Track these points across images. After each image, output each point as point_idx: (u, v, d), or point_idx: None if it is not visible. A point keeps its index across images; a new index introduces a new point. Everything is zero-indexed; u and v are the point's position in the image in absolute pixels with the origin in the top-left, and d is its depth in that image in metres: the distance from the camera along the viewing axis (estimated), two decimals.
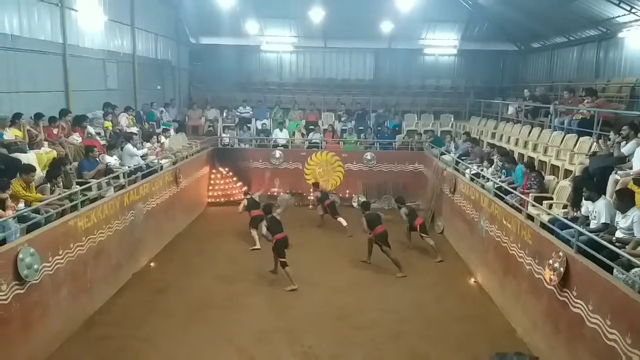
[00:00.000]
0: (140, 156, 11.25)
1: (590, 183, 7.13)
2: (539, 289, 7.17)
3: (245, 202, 12.51)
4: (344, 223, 12.79)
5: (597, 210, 6.73)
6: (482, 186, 10.41)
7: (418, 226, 11.37)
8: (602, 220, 6.59)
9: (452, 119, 18.60)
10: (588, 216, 6.99)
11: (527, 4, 16.28)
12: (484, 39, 20.28)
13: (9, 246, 6.15)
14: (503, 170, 10.48)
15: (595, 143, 9.04)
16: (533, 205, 8.22)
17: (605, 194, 7.04)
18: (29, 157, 8.17)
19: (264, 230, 9.89)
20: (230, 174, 15.80)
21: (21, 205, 7.06)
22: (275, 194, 15.86)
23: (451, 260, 11.22)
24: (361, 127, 17.77)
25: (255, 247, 11.59)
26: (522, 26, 18.81)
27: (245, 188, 14.63)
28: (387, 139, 17.07)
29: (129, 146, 10.91)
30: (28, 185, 7.22)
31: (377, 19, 18.76)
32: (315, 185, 14.23)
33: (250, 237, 11.83)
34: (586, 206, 7.10)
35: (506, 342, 7.51)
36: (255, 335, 7.67)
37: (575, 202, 7.54)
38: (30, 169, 7.30)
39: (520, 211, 8.37)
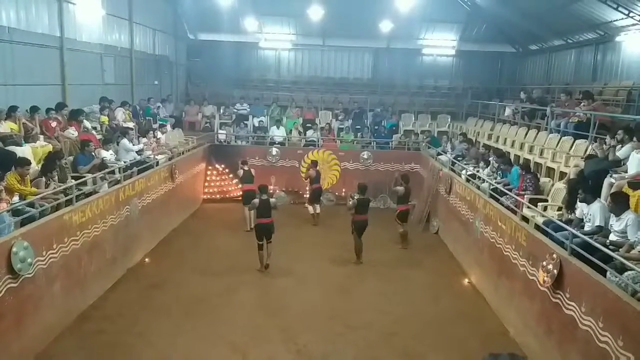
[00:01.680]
0: (136, 151, 11.21)
1: (585, 185, 7.16)
2: (533, 290, 7.19)
3: (240, 172, 12.84)
4: (311, 211, 13.31)
5: (591, 212, 6.77)
6: (478, 187, 10.43)
7: (398, 210, 11.71)
8: (597, 223, 6.63)
9: (449, 120, 18.66)
10: (582, 219, 7.02)
11: (526, 6, 16.32)
12: (482, 40, 20.31)
13: (3, 239, 6.12)
14: (499, 172, 10.51)
15: (590, 146, 9.09)
16: (528, 207, 8.25)
17: (600, 197, 7.08)
18: (24, 151, 8.12)
19: (257, 204, 9.89)
20: (227, 170, 15.77)
21: (15, 198, 7.03)
22: (271, 191, 15.83)
23: (446, 260, 11.26)
24: (358, 126, 17.77)
25: (248, 229, 12.10)
26: (520, 28, 18.85)
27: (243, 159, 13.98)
28: (384, 138, 17.07)
29: (124, 141, 10.88)
30: (23, 179, 7.18)
31: (376, 18, 18.75)
32: (314, 163, 14.19)
33: (244, 232, 11.83)
34: (581, 209, 7.14)
35: (499, 343, 7.54)
36: (249, 332, 7.67)
37: (569, 204, 7.57)
38: (26, 162, 7.26)
39: (515, 213, 8.40)
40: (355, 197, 10.43)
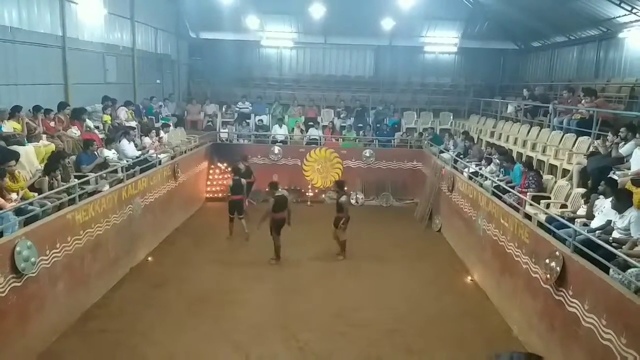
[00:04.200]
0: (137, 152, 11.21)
1: (608, 179, 7.05)
2: (535, 288, 7.18)
3: (242, 167, 13.35)
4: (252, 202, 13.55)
5: (605, 205, 6.67)
6: (480, 185, 10.42)
7: (343, 218, 10.67)
8: (608, 218, 6.55)
9: (452, 117, 18.62)
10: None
11: (528, 3, 16.27)
12: (484, 38, 20.26)
13: (7, 239, 6.15)
14: (501, 169, 10.50)
15: (593, 143, 9.06)
16: (530, 205, 8.23)
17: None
18: (27, 150, 8.14)
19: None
20: (229, 169, 15.78)
21: (14, 196, 6.98)
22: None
23: (448, 258, 11.25)
24: (360, 124, 17.78)
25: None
26: (522, 25, 18.80)
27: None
28: (386, 136, 17.07)
29: (124, 142, 10.82)
30: (12, 175, 7.04)
31: (377, 15, 18.74)
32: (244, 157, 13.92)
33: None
34: (593, 200, 7.07)
35: (502, 341, 7.55)
36: (252, 330, 7.69)
37: (589, 192, 7.43)
38: (9, 157, 7.06)
39: (517, 210, 8.38)
40: (272, 199, 10.31)
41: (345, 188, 11.24)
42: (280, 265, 10.37)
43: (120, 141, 10.85)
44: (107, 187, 9.18)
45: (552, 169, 9.94)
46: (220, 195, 15.58)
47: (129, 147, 10.93)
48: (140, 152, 11.38)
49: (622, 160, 7.69)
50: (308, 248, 11.34)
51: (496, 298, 8.87)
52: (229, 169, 14.02)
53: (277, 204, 10.27)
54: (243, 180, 11.97)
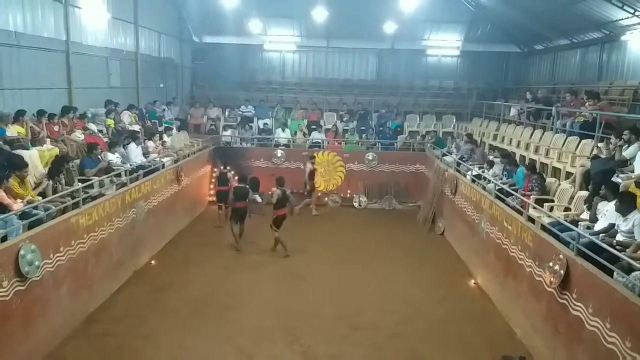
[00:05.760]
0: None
1: (609, 183, 7.05)
2: (539, 291, 7.16)
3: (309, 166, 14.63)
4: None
5: (608, 209, 6.65)
6: (484, 188, 10.40)
7: (275, 215, 10.87)
8: (611, 221, 6.54)
9: (454, 120, 18.61)
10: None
11: (531, 6, 16.26)
12: (486, 41, 20.26)
13: (11, 243, 6.17)
14: (504, 172, 10.47)
15: (596, 146, 9.05)
16: (534, 208, 8.22)
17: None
18: (31, 154, 8.17)
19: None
20: (232, 172, 15.79)
21: (19, 201, 7.01)
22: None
23: (451, 261, 11.23)
24: (363, 128, 17.81)
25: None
26: (525, 28, 18.79)
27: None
28: (388, 139, 17.09)
29: (131, 147, 10.83)
30: (23, 182, 7.10)
31: (380, 19, 18.75)
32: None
33: (248, 234, 11.89)
34: (596, 204, 7.05)
35: (506, 344, 7.52)
36: (255, 334, 7.69)
37: (593, 195, 7.42)
38: (22, 165, 7.11)
39: (521, 213, 8.37)
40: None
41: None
42: (284, 268, 10.36)
43: (126, 145, 10.88)
44: (113, 189, 9.20)
45: (556, 172, 9.91)
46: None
47: (135, 152, 10.96)
48: (145, 160, 11.34)
49: (625, 163, 7.66)
50: (311, 251, 11.34)
51: (500, 301, 8.84)
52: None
53: (236, 194, 11.30)
54: (229, 174, 13.21)
